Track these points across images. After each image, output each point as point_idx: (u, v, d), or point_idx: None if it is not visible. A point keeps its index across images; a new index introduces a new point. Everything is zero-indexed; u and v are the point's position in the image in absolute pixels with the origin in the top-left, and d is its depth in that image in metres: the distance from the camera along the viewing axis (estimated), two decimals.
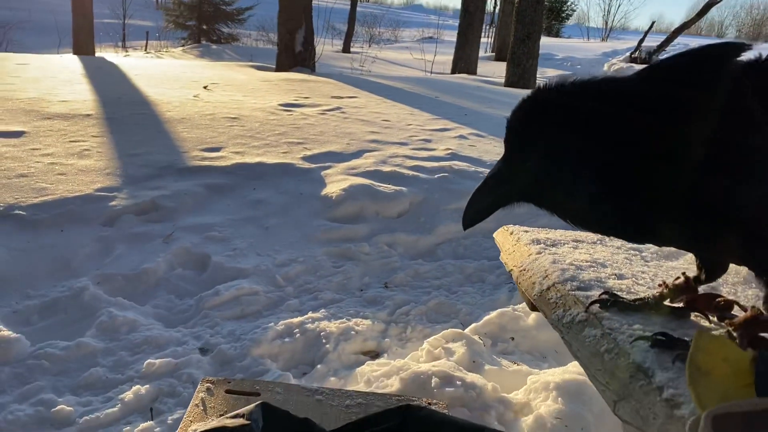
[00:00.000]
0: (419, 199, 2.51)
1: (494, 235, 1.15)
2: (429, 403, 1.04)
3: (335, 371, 1.56)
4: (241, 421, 0.74)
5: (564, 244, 0.96)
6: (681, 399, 0.53)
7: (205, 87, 4.64)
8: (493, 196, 0.54)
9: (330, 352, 1.62)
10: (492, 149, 3.33)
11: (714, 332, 0.60)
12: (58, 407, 1.31)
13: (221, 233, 2.17)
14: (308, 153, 2.97)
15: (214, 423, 0.78)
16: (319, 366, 1.56)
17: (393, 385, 1.44)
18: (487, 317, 1.69)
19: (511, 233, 1.07)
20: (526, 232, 1.06)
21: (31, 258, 1.87)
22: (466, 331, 1.61)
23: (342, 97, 4.55)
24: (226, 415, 0.82)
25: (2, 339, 1.51)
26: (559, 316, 0.73)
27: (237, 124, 3.50)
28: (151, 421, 1.35)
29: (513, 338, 1.63)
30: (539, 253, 0.90)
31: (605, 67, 10.48)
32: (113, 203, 2.23)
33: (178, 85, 4.73)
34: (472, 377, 1.46)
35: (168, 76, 5.25)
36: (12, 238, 1.91)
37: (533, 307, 0.88)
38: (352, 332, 1.70)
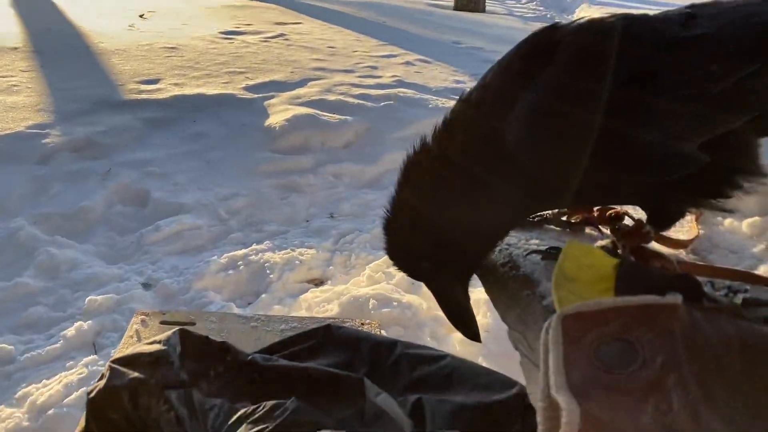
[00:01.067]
0: (365, 128, 2.50)
1: None
2: (362, 324, 1.09)
3: (279, 300, 1.61)
4: (157, 347, 0.77)
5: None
6: (546, 295, 0.56)
7: (141, 15, 4.40)
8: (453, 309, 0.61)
9: (274, 282, 1.66)
10: (438, 75, 3.29)
11: (599, 242, 0.62)
12: (2, 346, 1.34)
13: (161, 168, 2.14)
14: (250, 83, 2.91)
15: (131, 350, 0.81)
16: (263, 296, 1.60)
17: (332, 310, 1.50)
18: None
19: None
20: None
21: None
22: None
23: (285, 23, 4.37)
24: (143, 342, 0.86)
25: None
26: None
27: (175, 54, 3.37)
28: (94, 355, 1.39)
29: None
30: None
31: None
32: (46, 140, 2.19)
33: (112, 13, 4.44)
34: (408, 298, 1.52)
35: (101, 3, 4.95)
36: None
37: None
38: (297, 262, 1.74)
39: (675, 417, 0.40)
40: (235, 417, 0.66)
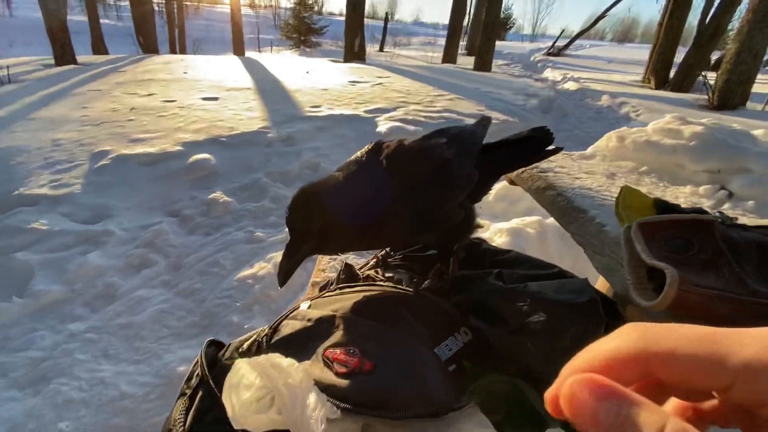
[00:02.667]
0: (427, 133, 2.87)
1: None
2: None
3: None
4: None
5: None
6: (605, 223, 0.61)
7: (306, 72, 5.45)
8: (291, 262, 0.55)
9: None
10: (468, 105, 3.67)
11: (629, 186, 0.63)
12: (256, 235, 1.91)
13: (325, 152, 2.68)
14: (367, 108, 3.46)
15: None
16: None
17: None
18: None
19: None
20: None
21: (230, 163, 2.44)
22: None
23: (382, 77, 5.18)
24: None
25: (224, 201, 2.09)
26: (529, 186, 0.83)
27: (327, 93, 4.10)
28: None
29: (480, 207, 1.87)
30: None
31: (532, 58, 12.15)
32: (269, 135, 2.75)
33: (292, 71, 5.31)
34: None
35: (286, 66, 5.88)
36: (220, 153, 2.48)
37: (512, 183, 0.95)
38: None
39: (728, 281, 0.40)
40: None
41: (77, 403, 1.17)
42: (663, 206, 0.53)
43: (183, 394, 0.58)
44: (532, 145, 0.69)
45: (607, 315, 0.52)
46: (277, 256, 1.75)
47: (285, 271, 0.55)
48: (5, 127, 2.82)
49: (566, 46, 13.99)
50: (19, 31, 13.34)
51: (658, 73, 6.58)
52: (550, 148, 0.69)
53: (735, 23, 6.34)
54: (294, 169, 2.44)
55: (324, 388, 0.46)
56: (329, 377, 0.51)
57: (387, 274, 0.75)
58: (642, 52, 14.83)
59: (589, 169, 0.92)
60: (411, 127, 2.91)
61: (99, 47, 8.79)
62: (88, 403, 1.17)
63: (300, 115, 3.14)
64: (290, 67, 5.78)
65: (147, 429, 1.11)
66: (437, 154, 0.60)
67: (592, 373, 0.16)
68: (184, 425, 0.51)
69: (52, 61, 5.96)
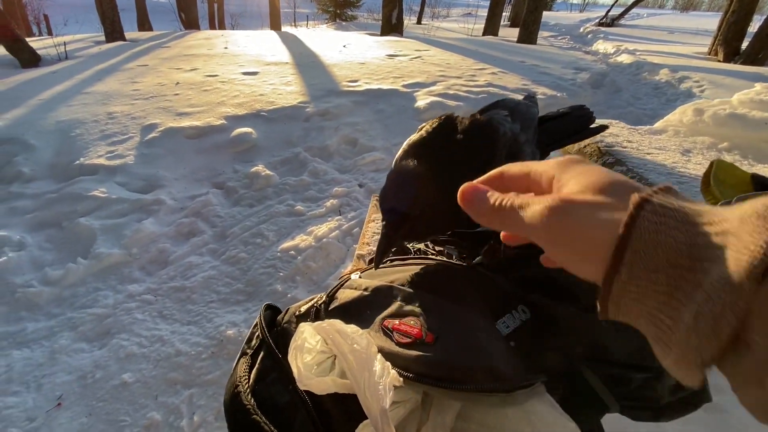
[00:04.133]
0: (469, 109, 2.79)
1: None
2: None
3: None
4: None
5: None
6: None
7: (344, 45, 5.34)
8: (388, 243, 0.54)
9: None
10: (512, 80, 3.43)
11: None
12: (297, 208, 1.94)
13: (362, 127, 2.66)
14: (405, 82, 3.34)
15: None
16: None
17: None
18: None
19: None
20: None
21: (271, 137, 2.48)
22: None
23: (421, 50, 4.94)
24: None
25: (266, 175, 2.14)
26: (594, 162, 0.80)
27: (364, 67, 3.96)
28: (339, 216, 1.90)
29: None
30: None
31: (581, 29, 10.84)
32: (307, 109, 2.76)
33: (329, 45, 5.21)
34: None
35: (322, 40, 5.77)
36: (261, 127, 2.53)
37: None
38: None
39: None
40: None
41: (138, 357, 1.26)
42: (763, 182, 0.48)
43: (245, 353, 0.60)
44: (573, 123, 0.69)
45: None
46: (317, 229, 1.79)
47: (382, 252, 0.55)
48: (64, 101, 2.98)
49: (621, 16, 12.87)
50: (72, 10, 13.92)
51: (729, 44, 5.94)
52: (594, 126, 0.69)
53: None
54: (332, 144, 2.44)
55: (387, 356, 0.46)
56: (391, 346, 0.51)
57: (437, 248, 0.75)
58: (710, 21, 13.46)
59: (659, 145, 0.85)
60: (452, 102, 2.82)
61: (144, 24, 9.04)
62: (147, 358, 1.26)
63: (337, 90, 3.12)
64: (327, 41, 5.71)
65: (200, 384, 1.18)
66: (508, 128, 0.60)
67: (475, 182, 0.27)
68: (249, 381, 0.53)
69: (103, 38, 6.20)
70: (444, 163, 0.54)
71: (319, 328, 0.52)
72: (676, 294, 0.17)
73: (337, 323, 0.51)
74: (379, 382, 0.44)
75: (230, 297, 1.48)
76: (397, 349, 0.50)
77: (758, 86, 0.89)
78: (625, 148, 0.80)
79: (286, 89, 3.15)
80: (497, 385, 0.45)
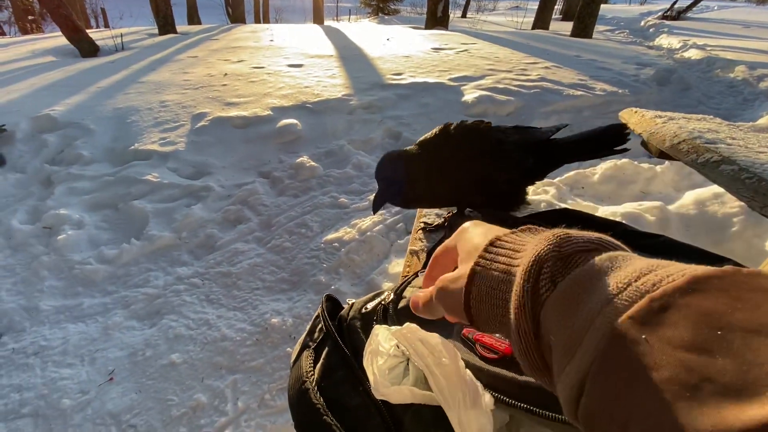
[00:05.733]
0: (521, 104, 2.64)
1: (620, 114, 1.03)
2: None
3: None
4: None
5: (679, 119, 0.89)
6: None
7: (387, 39, 5.25)
8: (379, 200, 0.77)
9: None
10: (567, 75, 3.21)
11: None
12: (340, 200, 1.94)
13: (406, 120, 2.62)
14: (451, 76, 3.24)
15: None
16: None
17: None
18: (567, 174, 1.78)
19: (635, 112, 0.98)
20: (647, 112, 0.96)
21: (315, 128, 2.48)
22: (555, 180, 1.78)
23: (467, 43, 4.74)
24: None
25: (310, 166, 2.14)
26: (693, 159, 0.71)
27: (409, 60, 3.89)
28: (383, 210, 1.83)
29: (583, 188, 1.74)
30: (664, 123, 0.85)
31: (642, 23, 9.87)
32: (351, 102, 2.74)
33: (372, 38, 5.16)
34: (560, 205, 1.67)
35: (366, 33, 5.73)
36: (306, 118, 2.53)
37: (661, 155, 0.86)
38: None
39: None
40: None
41: (186, 338, 1.28)
42: None
43: (307, 346, 0.57)
44: (602, 143, 0.81)
45: None
46: (361, 222, 1.77)
47: (376, 205, 0.78)
48: (121, 90, 3.13)
49: (689, 8, 11.66)
50: (127, 4, 14.71)
51: None
52: (619, 147, 0.80)
53: None
54: (376, 137, 2.41)
55: (475, 373, 0.42)
56: (473, 360, 0.46)
57: None
58: None
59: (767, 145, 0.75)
60: (502, 97, 2.71)
61: (193, 17, 9.40)
62: (195, 340, 1.28)
63: (382, 83, 3.08)
64: (370, 35, 5.68)
65: (244, 371, 1.19)
66: (494, 135, 0.80)
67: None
68: (314, 377, 0.51)
69: (156, 31, 6.49)
70: (436, 154, 0.77)
71: (399, 334, 0.48)
72: (501, 323, 0.24)
73: (419, 331, 0.47)
74: (481, 404, 0.40)
75: (275, 285, 1.48)
76: (480, 363, 0.46)
77: None
78: (731, 145, 0.71)
79: (330, 82, 3.15)
80: None
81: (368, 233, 1.70)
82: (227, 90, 3.02)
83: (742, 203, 1.28)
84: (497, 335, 0.48)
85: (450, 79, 3.12)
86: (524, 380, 0.42)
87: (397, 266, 1.49)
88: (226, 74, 3.44)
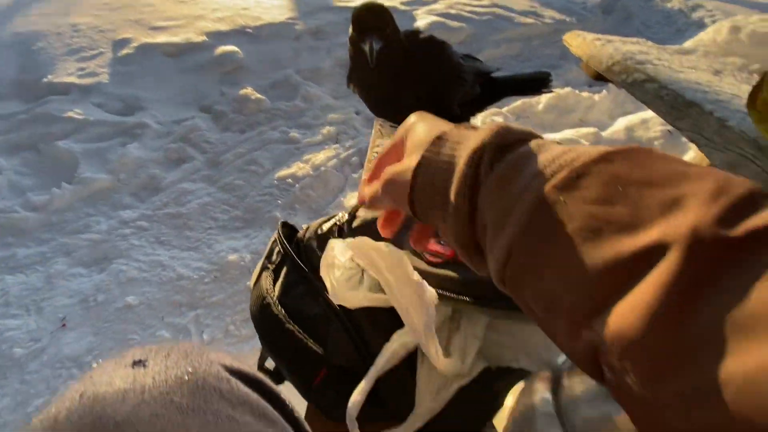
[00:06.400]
0: (473, 31, 2.57)
1: (564, 37, 1.07)
2: None
3: None
4: None
5: (616, 42, 0.92)
6: (727, 117, 0.56)
7: None
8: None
9: None
10: (519, 1, 3.11)
11: None
12: (291, 135, 1.85)
13: None
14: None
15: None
16: None
17: None
18: (514, 104, 1.83)
19: (578, 35, 1.01)
20: (589, 35, 0.99)
21: (258, 56, 2.31)
22: (503, 110, 1.82)
23: None
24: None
25: (256, 98, 2.00)
26: (624, 79, 0.76)
27: None
28: (336, 144, 1.82)
29: (528, 117, 1.81)
30: (602, 45, 0.89)
31: None
32: (297, 26, 2.54)
33: None
34: None
35: None
36: (246, 45, 2.33)
37: (597, 78, 0.89)
38: None
39: None
40: None
41: (140, 281, 1.26)
42: None
43: (266, 268, 0.58)
44: (530, 85, 0.90)
45: None
46: (314, 157, 1.73)
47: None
48: (20, 11, 2.65)
49: None
50: None
51: None
52: (544, 90, 0.88)
53: None
54: (326, 66, 2.28)
55: (423, 276, 0.46)
56: (422, 266, 0.50)
57: None
58: None
59: (690, 65, 0.81)
60: (454, 23, 2.61)
61: None
62: (149, 282, 1.25)
63: (329, 5, 2.82)
64: None
65: (205, 306, 1.20)
66: (455, 57, 0.82)
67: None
68: (275, 293, 0.53)
69: None
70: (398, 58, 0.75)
71: (352, 244, 0.50)
72: (443, 211, 0.25)
73: (370, 241, 0.49)
74: (421, 296, 0.43)
75: (229, 224, 1.46)
76: (428, 268, 0.50)
77: None
78: (656, 65, 0.75)
79: (271, 3, 2.84)
80: None
81: (322, 168, 1.68)
82: (152, 12, 2.66)
83: (664, 128, 1.39)
84: (442, 242, 0.52)
85: (402, 3, 2.91)
86: (463, 278, 0.46)
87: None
88: None
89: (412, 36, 0.82)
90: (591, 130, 1.52)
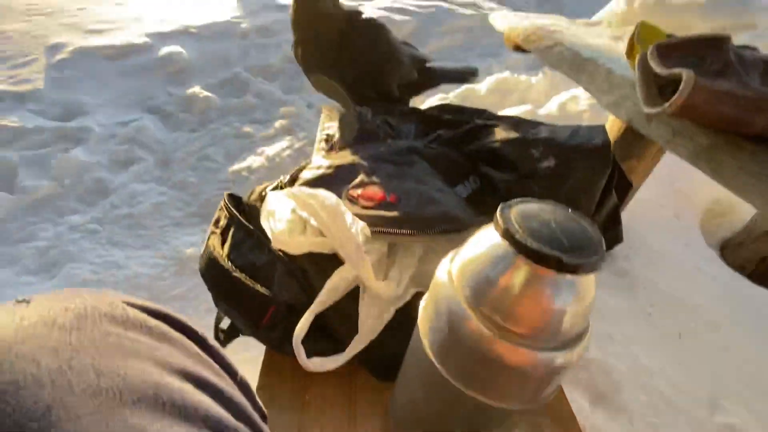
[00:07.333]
0: (418, 25, 2.67)
1: (490, 17, 1.16)
2: None
3: None
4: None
5: (533, 18, 1.02)
6: (614, 69, 0.64)
7: None
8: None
9: None
10: None
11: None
12: (244, 129, 1.85)
13: None
14: None
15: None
16: None
17: None
18: (459, 90, 1.93)
19: (502, 15, 1.13)
20: (510, 13, 1.12)
21: (205, 56, 2.27)
22: (449, 95, 1.93)
23: None
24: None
25: (204, 97, 1.99)
26: (537, 46, 0.85)
27: None
28: (290, 136, 1.83)
29: (473, 101, 1.94)
30: (520, 20, 0.99)
31: None
32: (243, 25, 2.51)
33: None
34: None
35: None
36: (192, 45, 2.30)
37: (516, 48, 0.98)
38: None
39: (735, 85, 0.42)
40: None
41: (95, 282, 1.23)
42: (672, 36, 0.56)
43: (212, 233, 0.62)
44: (459, 77, 0.98)
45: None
46: (268, 149, 1.74)
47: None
48: None
49: None
50: None
51: None
52: (470, 80, 0.98)
53: None
54: (276, 62, 2.29)
55: (356, 217, 0.51)
56: (357, 210, 0.55)
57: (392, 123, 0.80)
58: None
59: (596, 34, 0.91)
60: (399, 17, 2.69)
61: None
62: (105, 282, 1.23)
63: (275, 3, 2.83)
64: None
65: (166, 300, 1.20)
66: (394, 39, 0.90)
67: None
68: (222, 250, 0.56)
69: None
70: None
71: (290, 193, 0.54)
72: None
73: (307, 189, 0.54)
74: (352, 226, 0.48)
75: (185, 220, 1.45)
76: (363, 211, 0.55)
77: None
78: (564, 33, 0.84)
79: (213, 3, 2.81)
80: (451, 226, 0.52)
81: (277, 159, 1.69)
82: (86, 15, 2.55)
83: (590, 101, 1.52)
84: (375, 189, 0.57)
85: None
86: (393, 215, 0.52)
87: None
88: None
89: (354, 15, 0.87)
90: (528, 108, 1.64)
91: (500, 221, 0.28)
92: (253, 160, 1.69)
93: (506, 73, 2.09)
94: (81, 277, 1.24)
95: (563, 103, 1.70)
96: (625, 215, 0.64)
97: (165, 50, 2.22)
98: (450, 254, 0.36)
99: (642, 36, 0.59)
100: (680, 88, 0.40)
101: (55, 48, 2.18)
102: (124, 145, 1.73)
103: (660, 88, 0.47)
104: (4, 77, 1.98)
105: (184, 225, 1.44)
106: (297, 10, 0.83)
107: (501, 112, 1.75)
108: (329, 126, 1.16)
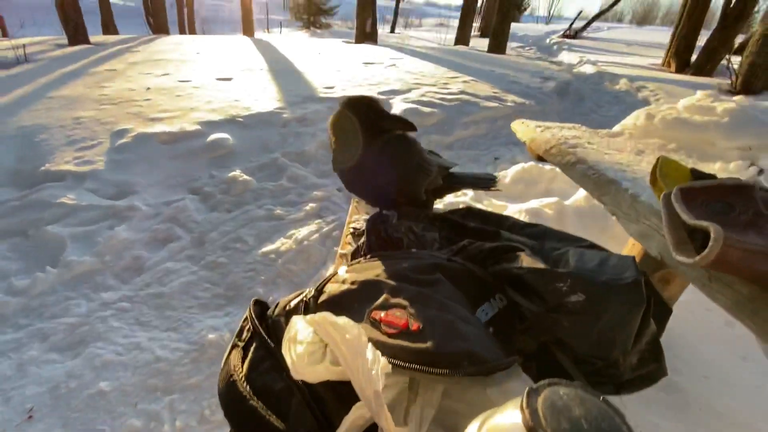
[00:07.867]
0: (444, 116, 2.86)
1: (512, 125, 1.21)
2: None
3: None
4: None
5: (553, 128, 1.08)
6: (639, 193, 0.64)
7: (318, 53, 5.29)
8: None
9: None
10: (483, 88, 3.64)
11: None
12: (276, 212, 1.94)
13: None
14: (381, 89, 3.46)
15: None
16: None
17: None
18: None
19: (522, 123, 1.17)
20: (531, 122, 1.15)
21: (247, 142, 2.47)
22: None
23: (395, 58, 5.15)
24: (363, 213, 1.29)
25: (243, 180, 2.13)
26: (559, 161, 0.87)
27: (340, 73, 3.96)
28: (319, 220, 1.92)
29: (499, 189, 1.97)
30: (542, 131, 1.01)
31: (548, 40, 11.74)
32: (284, 115, 2.76)
33: (304, 51, 5.28)
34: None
35: (297, 47, 5.85)
36: (237, 132, 2.51)
37: (539, 159, 1.01)
38: None
39: (765, 238, 0.42)
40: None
41: (115, 364, 1.23)
42: (699, 175, 0.56)
43: (235, 346, 0.62)
44: (480, 183, 1.04)
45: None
46: (297, 232, 1.81)
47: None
48: (26, 106, 2.87)
49: (583, 29, 13.72)
50: (29, 11, 13.30)
51: (680, 56, 6.38)
52: (493, 187, 1.03)
53: (762, 6, 6.09)
54: (311, 149, 2.46)
55: (376, 345, 0.50)
56: (379, 336, 0.54)
57: (417, 231, 0.82)
58: (663, 35, 14.40)
59: (617, 147, 0.93)
60: (427, 109, 2.89)
61: (109, 27, 8.77)
62: (125, 366, 1.23)
63: (314, 96, 3.14)
64: (301, 48, 5.73)
65: (181, 390, 1.17)
66: (423, 154, 0.94)
67: None
68: (243, 371, 0.56)
69: (65, 41, 5.97)
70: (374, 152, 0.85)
71: (311, 320, 0.54)
72: None
73: (329, 315, 0.54)
74: (372, 368, 0.47)
75: (210, 302, 1.47)
76: (385, 338, 0.54)
77: (699, 94, 0.99)
78: (586, 148, 0.87)
79: (261, 95, 3.14)
80: (477, 369, 0.50)
81: (305, 242, 1.74)
82: (150, 105, 2.90)
83: None
84: (398, 314, 0.56)
85: (379, 93, 3.27)
86: (416, 347, 0.50)
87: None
88: (148, 88, 3.29)
89: (395, 137, 0.93)
90: (553, 200, 1.65)
91: (527, 415, 0.27)
92: (282, 243, 1.74)
93: (531, 163, 2.14)
94: (103, 359, 1.25)
95: (590, 196, 1.71)
96: (669, 321, 0.59)
97: (213, 137, 2.45)
98: (478, 420, 0.34)
99: (663, 170, 0.58)
100: (710, 244, 0.39)
101: (120, 133, 2.45)
102: (165, 223, 1.84)
103: (689, 232, 0.45)
104: (70, 158, 2.21)
105: (209, 307, 1.45)
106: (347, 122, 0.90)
107: (527, 205, 1.77)
108: (356, 219, 1.21)
